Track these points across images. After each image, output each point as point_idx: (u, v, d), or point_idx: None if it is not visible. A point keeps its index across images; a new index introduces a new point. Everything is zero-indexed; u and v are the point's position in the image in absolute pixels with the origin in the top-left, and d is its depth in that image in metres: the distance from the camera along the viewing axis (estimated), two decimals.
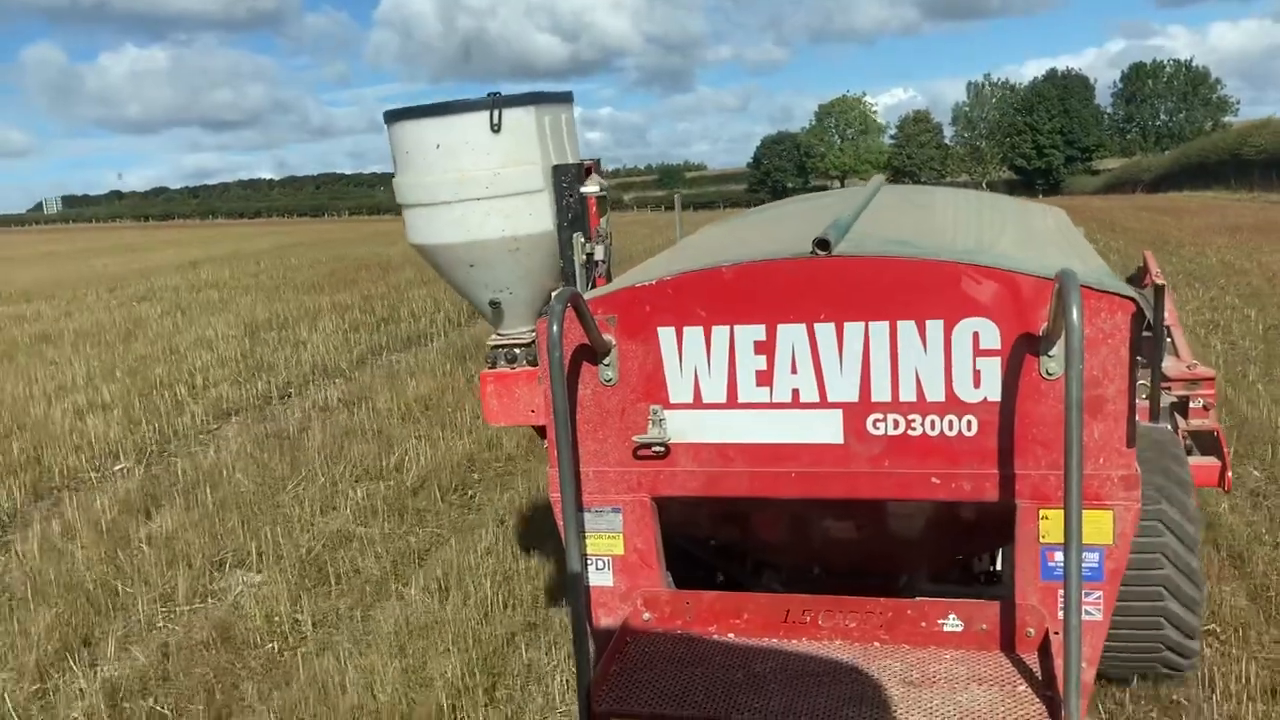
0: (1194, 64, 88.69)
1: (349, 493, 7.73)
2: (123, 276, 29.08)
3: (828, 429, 2.92)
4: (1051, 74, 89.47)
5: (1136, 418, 2.73)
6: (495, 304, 3.87)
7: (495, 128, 3.66)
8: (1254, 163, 41.25)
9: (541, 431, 3.52)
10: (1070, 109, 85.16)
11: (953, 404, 2.81)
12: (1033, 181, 79.45)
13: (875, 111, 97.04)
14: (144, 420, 10.62)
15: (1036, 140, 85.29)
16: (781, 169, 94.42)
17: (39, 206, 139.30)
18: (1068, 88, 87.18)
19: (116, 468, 9.21)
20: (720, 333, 2.95)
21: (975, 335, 2.75)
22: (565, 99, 3.96)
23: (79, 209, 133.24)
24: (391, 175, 3.91)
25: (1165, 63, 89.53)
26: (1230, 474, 4.50)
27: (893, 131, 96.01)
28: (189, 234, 63.76)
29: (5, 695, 4.94)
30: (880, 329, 2.81)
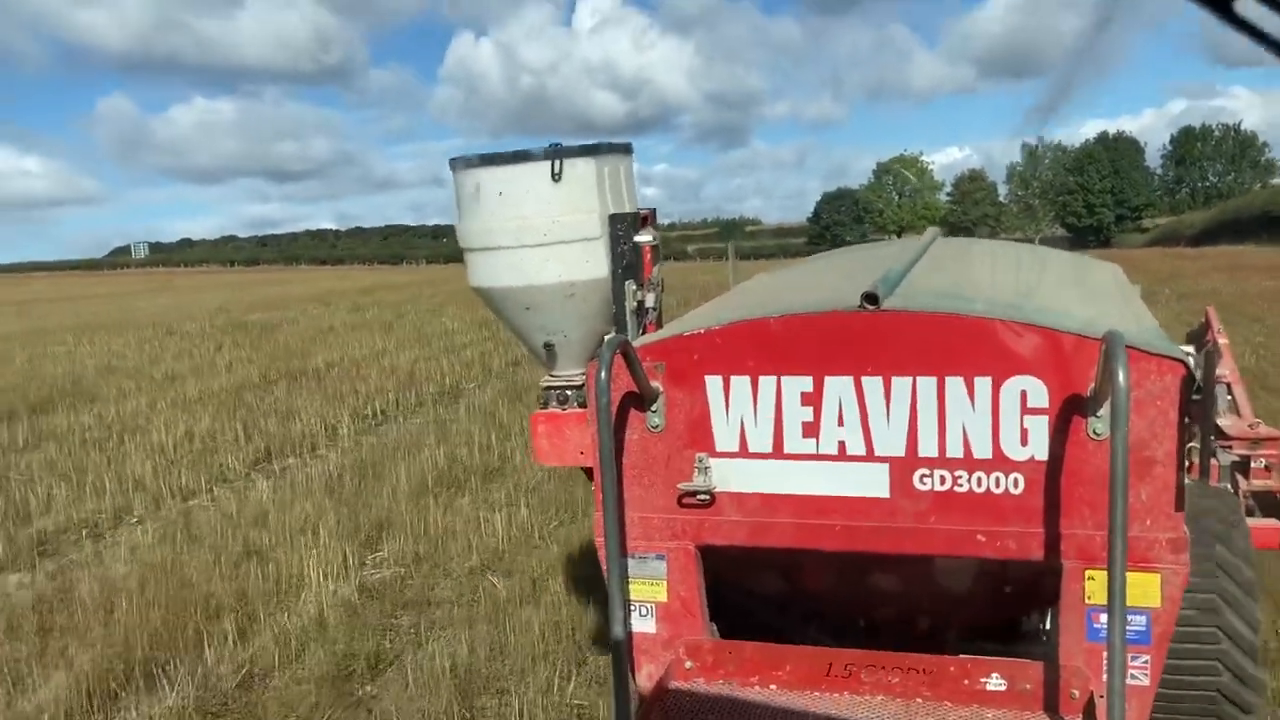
0: (1243, 127, 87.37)
1: None
2: (321, 297, 35.28)
3: (874, 483, 2.79)
4: (1103, 136, 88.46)
5: (1186, 480, 2.58)
6: (549, 346, 3.81)
7: (556, 177, 3.62)
8: None
9: (590, 473, 3.44)
10: (1120, 169, 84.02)
11: (1000, 461, 2.67)
12: (1085, 238, 78.29)
13: (932, 168, 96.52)
14: (470, 364, 16.28)
15: (1088, 199, 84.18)
16: (841, 224, 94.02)
17: (125, 250, 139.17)
18: (1118, 149, 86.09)
19: (470, 385, 14.70)
20: (767, 383, 2.84)
21: (1023, 393, 2.62)
22: (625, 150, 3.90)
23: (165, 254, 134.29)
24: (452, 227, 3.88)
25: (1214, 126, 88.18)
26: None
27: (949, 189, 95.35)
28: (301, 274, 67.23)
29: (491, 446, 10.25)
30: (928, 384, 2.69)
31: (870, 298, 2.70)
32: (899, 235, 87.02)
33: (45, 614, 6.27)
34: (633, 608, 3.07)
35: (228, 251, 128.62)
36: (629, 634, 3.03)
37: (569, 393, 3.79)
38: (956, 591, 3.20)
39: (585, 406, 3.73)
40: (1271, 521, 4.31)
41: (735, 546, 2.98)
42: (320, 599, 6.29)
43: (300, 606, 6.22)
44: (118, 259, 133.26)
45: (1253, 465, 4.54)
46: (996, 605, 3.35)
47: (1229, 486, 4.18)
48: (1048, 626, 3.67)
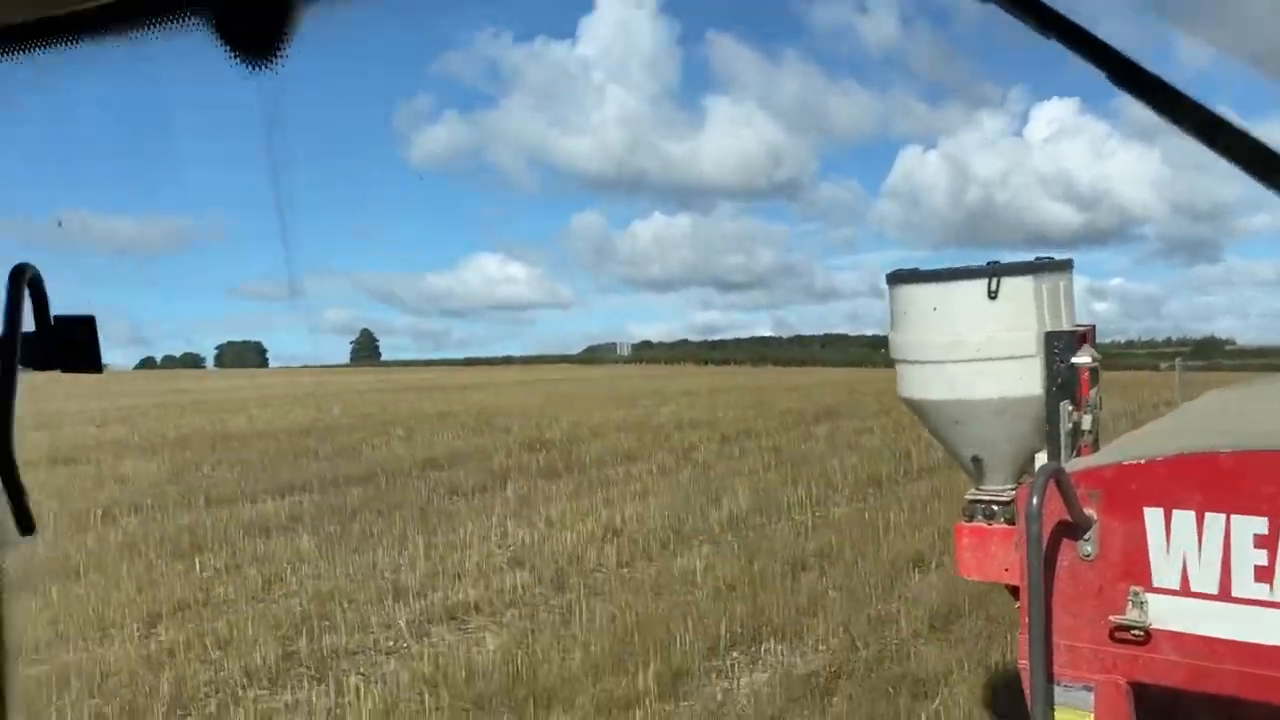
0: None
1: None
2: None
3: None
4: None
5: None
6: (977, 460, 3.64)
7: (992, 294, 3.49)
8: None
9: (1014, 591, 3.22)
10: None
11: None
12: None
13: None
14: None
15: None
16: None
17: (599, 348, 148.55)
18: None
19: None
20: (1214, 520, 2.51)
21: None
22: (1065, 266, 3.68)
23: (644, 352, 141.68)
24: (886, 336, 3.87)
25: None
26: None
27: None
28: (795, 371, 73.88)
29: None
30: None
31: None
32: None
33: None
34: None
35: (691, 351, 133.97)
36: None
37: (995, 508, 3.59)
38: None
39: (1012, 523, 3.51)
40: None
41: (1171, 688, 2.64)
42: None
43: None
44: (609, 356, 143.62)
45: None
46: None
47: None
48: None
